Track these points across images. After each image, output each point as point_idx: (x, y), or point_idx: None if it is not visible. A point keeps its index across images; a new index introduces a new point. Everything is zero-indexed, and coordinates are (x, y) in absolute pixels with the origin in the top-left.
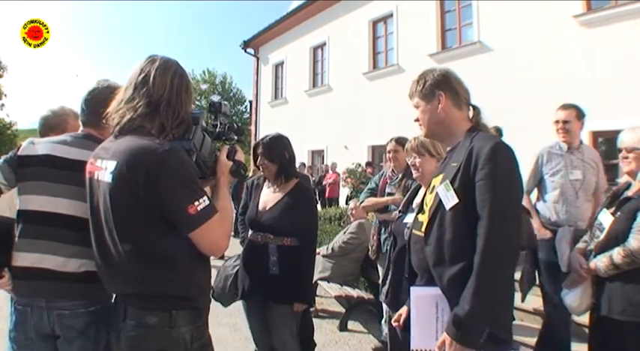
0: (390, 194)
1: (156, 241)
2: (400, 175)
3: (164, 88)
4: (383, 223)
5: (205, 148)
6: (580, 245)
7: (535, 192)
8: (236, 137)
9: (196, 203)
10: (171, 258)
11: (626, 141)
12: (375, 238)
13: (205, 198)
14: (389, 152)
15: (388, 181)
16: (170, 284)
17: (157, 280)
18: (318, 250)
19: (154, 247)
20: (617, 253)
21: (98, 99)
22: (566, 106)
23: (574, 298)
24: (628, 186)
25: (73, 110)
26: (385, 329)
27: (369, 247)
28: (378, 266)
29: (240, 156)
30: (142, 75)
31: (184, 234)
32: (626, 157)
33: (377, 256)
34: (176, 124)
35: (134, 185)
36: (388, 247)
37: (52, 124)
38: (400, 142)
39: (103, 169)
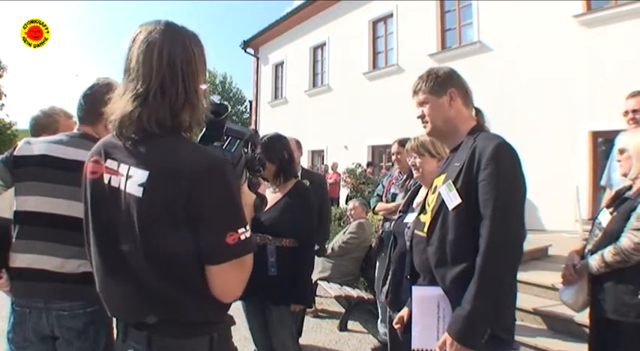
0: (393, 195)
1: (196, 262)
2: (405, 176)
3: (150, 69)
4: (387, 220)
5: (239, 167)
6: (578, 246)
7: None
8: (262, 170)
9: (240, 231)
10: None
11: (618, 144)
12: (378, 234)
13: (248, 227)
14: (393, 154)
15: (394, 182)
16: (209, 310)
17: (195, 305)
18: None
19: (192, 269)
20: (608, 252)
21: (97, 95)
22: (634, 93)
23: (570, 295)
24: (630, 187)
25: (64, 110)
26: (382, 329)
27: (371, 244)
28: (378, 263)
29: (263, 190)
30: (127, 58)
31: (207, 264)
32: (619, 160)
33: (378, 253)
34: (182, 111)
35: (173, 202)
36: (388, 244)
37: (43, 124)
38: (403, 143)
39: (121, 175)
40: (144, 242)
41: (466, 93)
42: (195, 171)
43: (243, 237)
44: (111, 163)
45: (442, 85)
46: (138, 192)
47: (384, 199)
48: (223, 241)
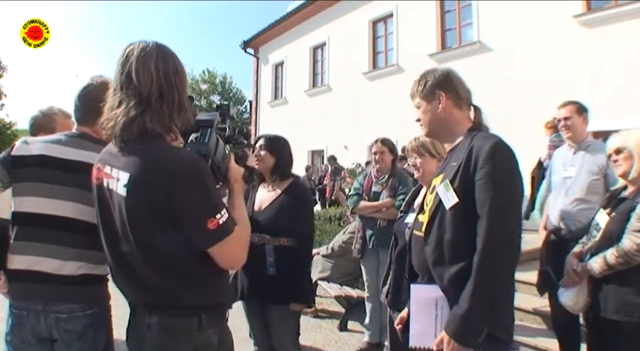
0: (375, 193)
1: (179, 252)
2: (386, 176)
3: (150, 79)
4: (370, 220)
5: (219, 152)
6: (576, 248)
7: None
8: (245, 141)
9: (218, 216)
10: (196, 268)
11: (613, 145)
12: (359, 234)
13: (225, 211)
14: (374, 154)
15: (374, 180)
16: (199, 294)
17: (184, 291)
18: (317, 250)
19: (178, 259)
20: (610, 254)
21: (92, 95)
22: (565, 103)
23: (570, 297)
24: (625, 187)
25: (62, 110)
26: (369, 330)
27: (353, 246)
28: (362, 266)
29: (251, 161)
30: (125, 73)
31: (201, 249)
32: (616, 160)
33: (362, 254)
34: (177, 113)
35: (152, 199)
36: (374, 244)
37: (41, 124)
38: (385, 143)
39: (113, 178)
40: (134, 237)
41: (457, 94)
42: (171, 173)
43: (222, 221)
44: (108, 169)
45: (431, 89)
46: (123, 192)
47: (365, 197)
48: (205, 228)
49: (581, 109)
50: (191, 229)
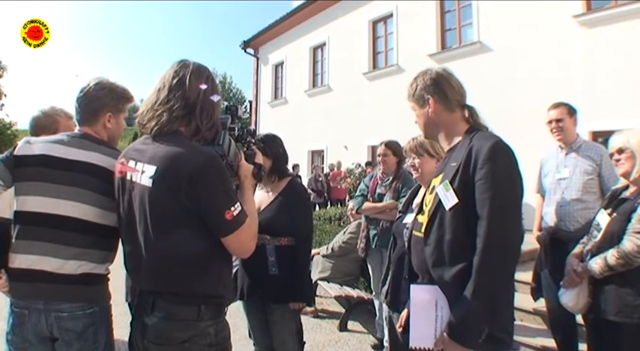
0: (380, 195)
1: (192, 242)
2: (390, 178)
3: (198, 91)
4: (373, 220)
5: (232, 151)
6: (577, 249)
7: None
8: (253, 140)
9: (232, 208)
10: (205, 258)
11: (616, 144)
12: (364, 234)
13: (239, 204)
14: (379, 156)
15: (379, 182)
16: (202, 283)
17: (190, 279)
18: (317, 250)
19: (189, 248)
20: (611, 255)
21: (91, 96)
22: (556, 105)
23: (570, 297)
24: (627, 187)
25: (64, 110)
26: (381, 326)
27: (358, 245)
28: (368, 265)
29: (259, 158)
30: (177, 78)
31: (218, 237)
32: (619, 160)
33: (366, 253)
34: (209, 127)
35: (176, 190)
36: (377, 244)
37: (42, 125)
38: (390, 146)
39: (138, 171)
40: (152, 225)
41: (445, 97)
42: (194, 169)
43: (236, 212)
44: (132, 163)
45: (421, 93)
46: (149, 183)
47: (369, 198)
48: (223, 219)
49: (571, 111)
50: (210, 218)
